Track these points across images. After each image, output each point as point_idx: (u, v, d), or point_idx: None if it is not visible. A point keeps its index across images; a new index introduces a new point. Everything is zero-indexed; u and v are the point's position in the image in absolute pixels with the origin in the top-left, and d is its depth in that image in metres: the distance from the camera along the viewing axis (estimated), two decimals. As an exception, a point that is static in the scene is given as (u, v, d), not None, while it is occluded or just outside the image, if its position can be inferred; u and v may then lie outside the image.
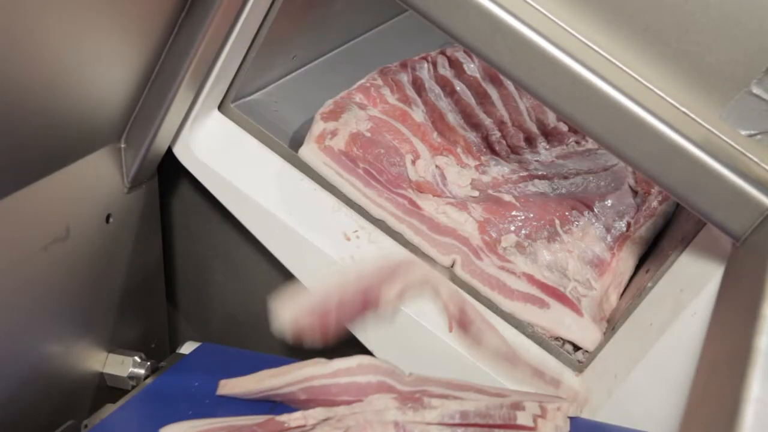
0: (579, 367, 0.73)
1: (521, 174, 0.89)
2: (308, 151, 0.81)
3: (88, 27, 0.59)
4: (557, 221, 0.82)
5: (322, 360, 0.67)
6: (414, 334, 0.74)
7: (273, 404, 0.65)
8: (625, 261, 0.81)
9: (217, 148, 0.81)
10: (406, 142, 0.85)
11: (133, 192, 0.78)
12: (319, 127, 0.82)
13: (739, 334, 0.47)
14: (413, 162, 0.84)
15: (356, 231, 0.79)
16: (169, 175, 0.85)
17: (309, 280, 0.79)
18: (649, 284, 0.70)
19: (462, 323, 0.68)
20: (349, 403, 0.61)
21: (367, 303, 0.65)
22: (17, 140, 0.59)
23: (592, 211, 0.84)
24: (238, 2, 0.70)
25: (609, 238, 0.82)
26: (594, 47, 0.57)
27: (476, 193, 0.85)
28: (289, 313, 0.66)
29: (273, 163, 0.81)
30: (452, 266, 0.78)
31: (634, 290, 0.77)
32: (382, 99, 0.91)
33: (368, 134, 0.83)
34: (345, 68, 0.98)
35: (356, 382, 0.61)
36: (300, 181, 0.81)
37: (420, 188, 0.82)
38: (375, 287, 0.65)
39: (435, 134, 0.90)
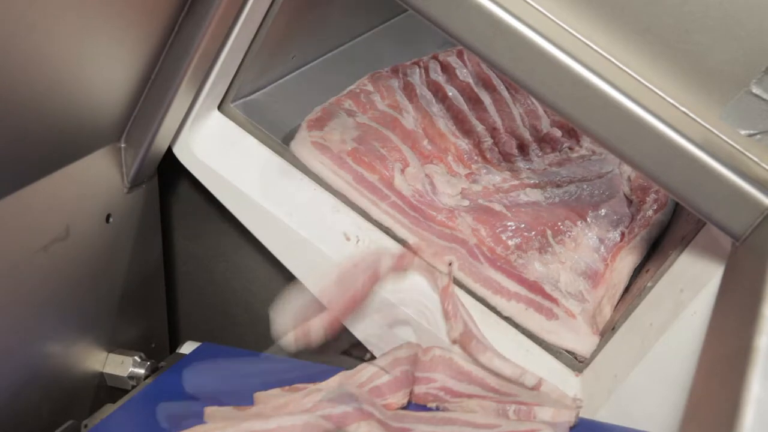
0: (579, 367, 0.73)
1: (513, 183, 0.87)
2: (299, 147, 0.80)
3: (88, 27, 0.59)
4: (549, 232, 0.80)
5: (266, 412, 0.63)
6: (414, 334, 0.74)
7: None
8: (619, 272, 0.79)
9: (217, 148, 0.81)
10: (395, 151, 0.83)
11: (133, 192, 0.78)
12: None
13: (740, 333, 0.47)
14: (402, 171, 0.82)
15: (356, 231, 0.79)
16: (169, 175, 0.85)
17: (309, 279, 0.79)
18: (649, 284, 0.70)
19: (463, 340, 0.67)
20: None
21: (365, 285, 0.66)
22: (17, 140, 0.59)
23: (586, 220, 0.82)
24: (238, 2, 0.70)
25: (603, 249, 0.80)
26: (594, 47, 0.57)
27: (466, 203, 0.83)
28: (289, 316, 0.66)
29: (273, 162, 0.81)
30: (449, 267, 0.77)
31: (633, 292, 0.77)
32: (372, 105, 0.90)
33: (354, 144, 0.81)
34: (345, 68, 0.98)
35: None
36: (300, 180, 0.81)
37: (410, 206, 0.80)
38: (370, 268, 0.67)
39: (425, 141, 0.88)
